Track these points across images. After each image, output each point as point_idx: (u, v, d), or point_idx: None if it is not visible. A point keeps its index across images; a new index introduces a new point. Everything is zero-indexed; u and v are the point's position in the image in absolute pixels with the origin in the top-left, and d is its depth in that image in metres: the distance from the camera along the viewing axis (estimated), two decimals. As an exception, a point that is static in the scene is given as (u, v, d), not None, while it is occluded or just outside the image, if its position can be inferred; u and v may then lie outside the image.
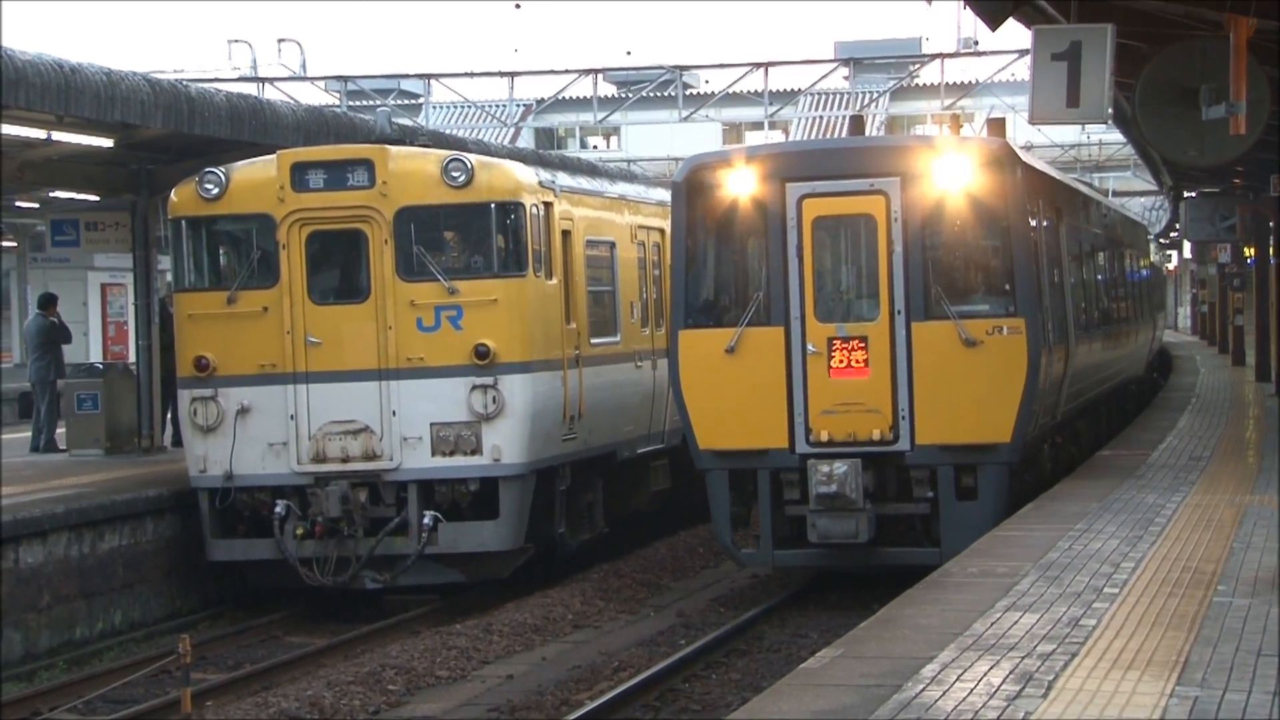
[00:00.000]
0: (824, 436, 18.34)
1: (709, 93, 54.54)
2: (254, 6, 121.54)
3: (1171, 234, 60.24)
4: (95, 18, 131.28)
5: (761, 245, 18.74)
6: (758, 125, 62.42)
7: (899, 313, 18.33)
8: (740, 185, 18.66)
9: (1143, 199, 64.51)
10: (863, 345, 18.36)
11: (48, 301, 27.70)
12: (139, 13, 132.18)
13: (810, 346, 18.39)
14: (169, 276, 23.11)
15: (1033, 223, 19.19)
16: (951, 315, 18.23)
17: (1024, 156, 19.68)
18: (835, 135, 62.32)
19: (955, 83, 49.84)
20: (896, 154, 18.93)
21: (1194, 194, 40.09)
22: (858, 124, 21.51)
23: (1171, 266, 75.05)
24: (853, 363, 18.36)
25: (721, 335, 18.60)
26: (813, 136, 64.41)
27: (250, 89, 43.87)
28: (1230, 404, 31.16)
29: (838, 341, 18.40)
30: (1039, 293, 18.82)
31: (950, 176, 18.38)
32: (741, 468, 18.69)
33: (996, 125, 21.76)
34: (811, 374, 18.40)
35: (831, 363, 18.39)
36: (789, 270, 18.48)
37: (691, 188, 18.89)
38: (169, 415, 25.25)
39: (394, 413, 19.53)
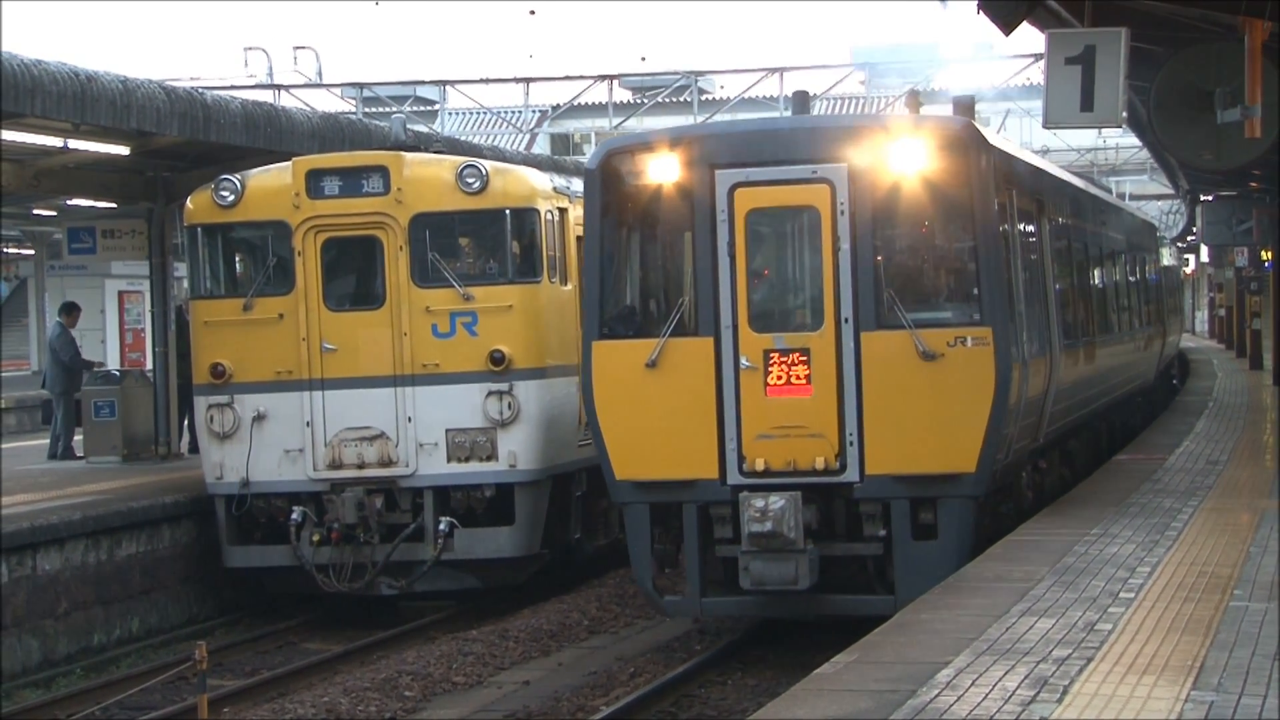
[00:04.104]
0: (759, 465, 15.89)
1: (724, 98, 54.48)
2: (270, 13, 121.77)
3: (1189, 238, 60.17)
4: (111, 25, 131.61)
5: (688, 243, 16.32)
6: (773, 130, 62.29)
7: (846, 321, 15.89)
8: (662, 173, 16.15)
9: (1160, 203, 64.50)
10: (804, 359, 15.92)
11: (69, 310, 27.75)
12: (155, 20, 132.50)
13: (744, 360, 15.95)
14: (185, 283, 23.13)
15: (1005, 216, 16.70)
16: (907, 324, 15.78)
17: (994, 139, 17.14)
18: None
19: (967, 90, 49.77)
20: (843, 137, 16.28)
21: (1210, 197, 39.98)
22: (802, 101, 18.12)
23: (1189, 270, 75.00)
24: (793, 379, 15.91)
25: (641, 347, 16.14)
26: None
27: (266, 96, 43.95)
28: (1247, 408, 31.07)
29: (775, 354, 15.95)
30: (1010, 298, 16.39)
31: (905, 162, 15.88)
32: (665, 501, 16.21)
33: (964, 105, 18.74)
34: (745, 392, 15.94)
35: (768, 379, 15.93)
36: (719, 271, 16.00)
37: (607, 176, 16.34)
38: (186, 422, 25.29)
39: (409, 419, 19.55)
